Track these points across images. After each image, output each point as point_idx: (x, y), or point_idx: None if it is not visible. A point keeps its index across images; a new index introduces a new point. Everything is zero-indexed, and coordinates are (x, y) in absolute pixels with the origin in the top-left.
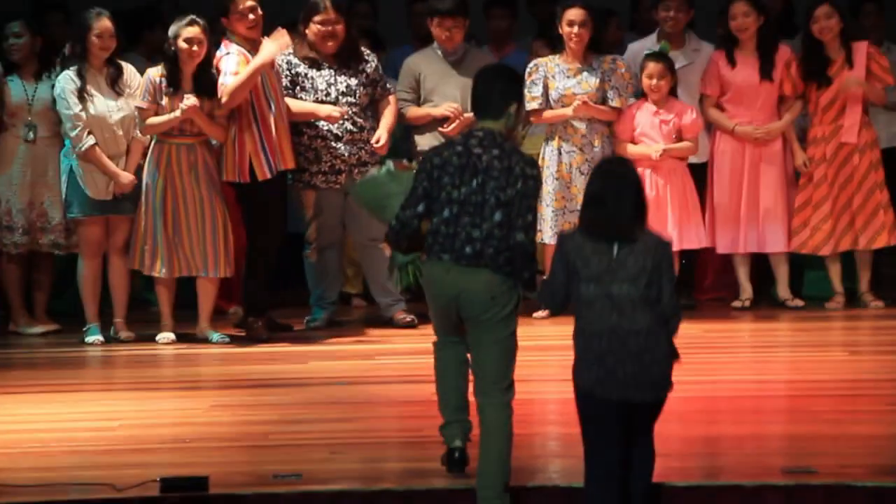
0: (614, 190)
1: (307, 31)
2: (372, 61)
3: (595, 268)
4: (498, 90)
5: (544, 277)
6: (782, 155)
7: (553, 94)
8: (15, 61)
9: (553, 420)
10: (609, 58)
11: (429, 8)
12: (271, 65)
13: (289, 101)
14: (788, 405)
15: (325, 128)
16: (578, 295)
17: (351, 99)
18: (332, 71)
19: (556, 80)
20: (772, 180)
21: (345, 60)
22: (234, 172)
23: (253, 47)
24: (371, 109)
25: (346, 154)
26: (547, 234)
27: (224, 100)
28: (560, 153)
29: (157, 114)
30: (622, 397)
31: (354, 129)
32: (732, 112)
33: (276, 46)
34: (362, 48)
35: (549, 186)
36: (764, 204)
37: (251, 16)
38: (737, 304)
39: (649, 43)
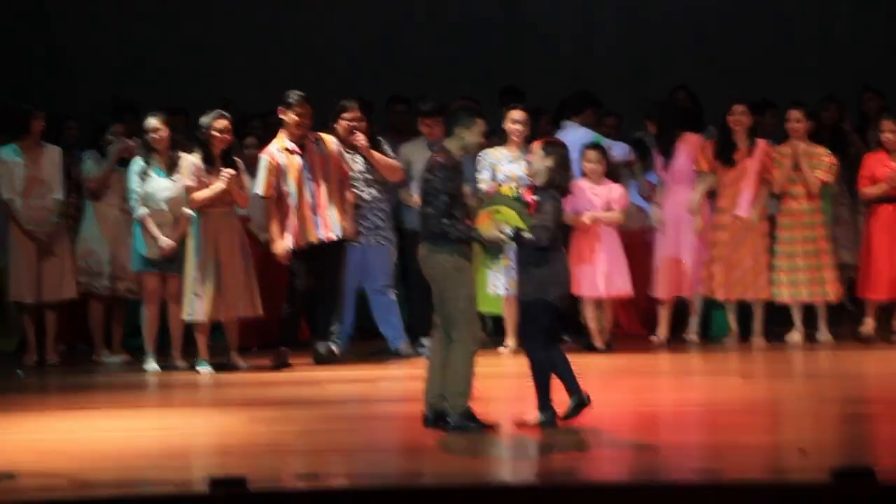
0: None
1: (336, 126)
2: (383, 145)
3: None
4: (451, 119)
5: None
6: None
7: (500, 176)
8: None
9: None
10: None
11: (415, 109)
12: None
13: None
14: (696, 420)
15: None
16: None
17: (368, 175)
18: (352, 154)
19: (501, 165)
20: (689, 245)
21: (365, 146)
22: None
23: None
24: (385, 183)
25: (365, 220)
26: (500, 287)
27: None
28: None
29: (199, 190)
30: None
31: (371, 200)
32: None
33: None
34: (378, 137)
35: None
36: (685, 261)
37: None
38: (654, 339)
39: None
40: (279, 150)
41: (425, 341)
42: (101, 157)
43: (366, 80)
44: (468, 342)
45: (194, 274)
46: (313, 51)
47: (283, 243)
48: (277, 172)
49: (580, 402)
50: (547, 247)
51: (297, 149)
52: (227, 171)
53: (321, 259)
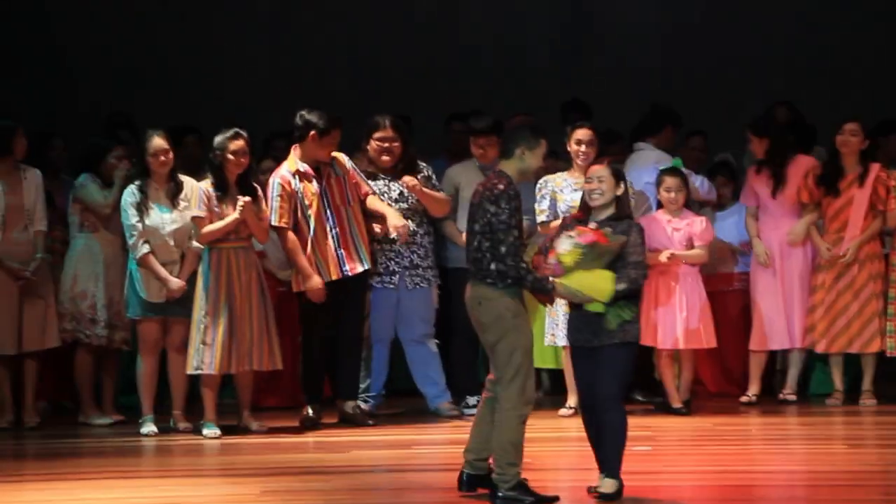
0: None
1: (367, 147)
2: (425, 171)
3: None
4: (511, 137)
5: None
6: (803, 260)
7: (561, 207)
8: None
9: None
10: None
11: (467, 127)
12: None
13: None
14: (793, 494)
15: (381, 233)
16: None
17: (403, 205)
18: (385, 180)
19: (563, 193)
20: (793, 286)
21: (400, 172)
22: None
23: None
24: (425, 215)
25: (400, 257)
26: (560, 337)
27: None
28: None
29: (210, 222)
30: None
31: (408, 233)
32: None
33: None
34: (418, 161)
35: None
36: (787, 305)
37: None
38: (744, 398)
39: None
40: (291, 174)
41: (471, 400)
42: (101, 182)
43: (366, 82)
44: (519, 403)
45: (203, 319)
46: (315, 51)
47: (318, 278)
48: (292, 199)
49: (619, 488)
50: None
51: (311, 172)
52: (243, 199)
53: (341, 299)
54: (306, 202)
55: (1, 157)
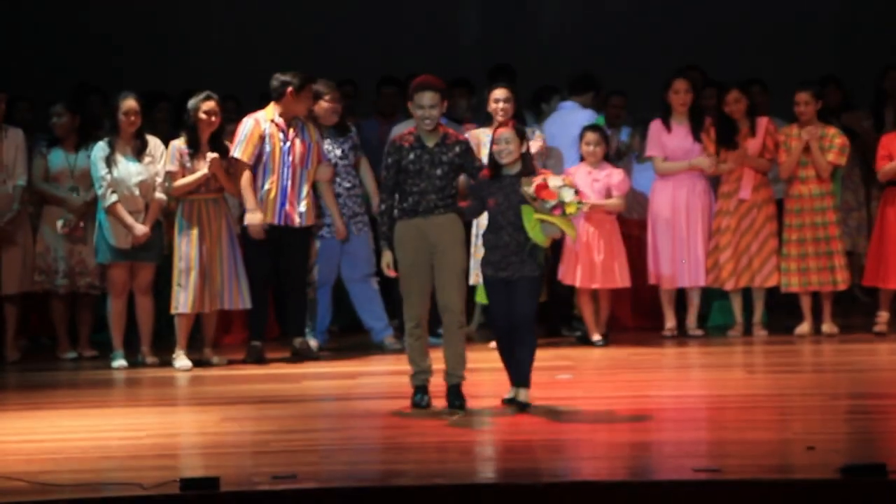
0: None
1: (315, 107)
2: (354, 131)
3: None
4: None
5: None
6: (705, 208)
7: (484, 159)
8: (58, 136)
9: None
10: (528, 129)
11: (398, 91)
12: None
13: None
14: (699, 416)
15: None
16: None
17: (346, 162)
18: (329, 139)
19: (486, 147)
20: (698, 230)
21: (340, 132)
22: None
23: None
24: (357, 169)
25: (344, 207)
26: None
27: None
28: None
29: (183, 177)
30: None
31: (350, 187)
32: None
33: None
34: (349, 124)
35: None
36: (688, 247)
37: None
38: (666, 332)
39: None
40: (266, 121)
41: None
42: (46, 146)
43: (355, 59)
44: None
45: (179, 265)
46: (308, 32)
47: (259, 215)
48: (260, 141)
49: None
50: None
51: (283, 126)
52: (211, 155)
53: (284, 246)
54: (268, 148)
55: None
